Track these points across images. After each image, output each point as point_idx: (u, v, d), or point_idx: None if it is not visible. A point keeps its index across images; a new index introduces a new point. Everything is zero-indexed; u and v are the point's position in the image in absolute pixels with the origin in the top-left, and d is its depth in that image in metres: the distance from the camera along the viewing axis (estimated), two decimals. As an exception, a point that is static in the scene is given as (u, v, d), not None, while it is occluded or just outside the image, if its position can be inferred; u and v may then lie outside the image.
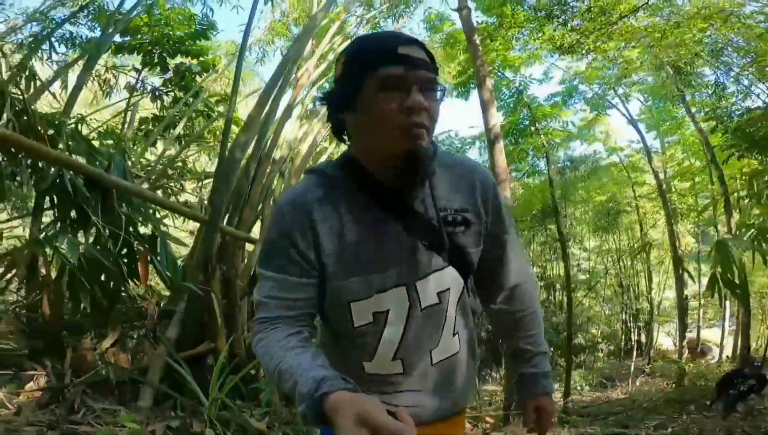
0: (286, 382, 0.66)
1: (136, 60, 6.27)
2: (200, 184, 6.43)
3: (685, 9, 6.64)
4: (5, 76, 2.66)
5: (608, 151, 11.12)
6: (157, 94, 6.40)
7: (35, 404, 2.02)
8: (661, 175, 10.16)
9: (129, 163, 3.54)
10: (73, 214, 2.36)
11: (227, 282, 2.98)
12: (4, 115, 1.99)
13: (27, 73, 3.35)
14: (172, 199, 5.27)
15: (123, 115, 6.28)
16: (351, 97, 0.74)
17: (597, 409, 5.78)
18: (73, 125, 2.76)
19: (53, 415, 2.01)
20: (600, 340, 11.92)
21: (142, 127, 6.27)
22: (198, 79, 6.44)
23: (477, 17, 8.09)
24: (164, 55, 5.91)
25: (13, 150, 2.05)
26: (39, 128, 2.04)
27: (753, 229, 3.39)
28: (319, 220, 0.77)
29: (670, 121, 9.70)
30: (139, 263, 2.38)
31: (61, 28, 5.40)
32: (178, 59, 6.11)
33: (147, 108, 6.76)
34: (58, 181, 2.16)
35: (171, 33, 5.80)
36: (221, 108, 6.73)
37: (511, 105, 8.18)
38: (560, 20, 6.45)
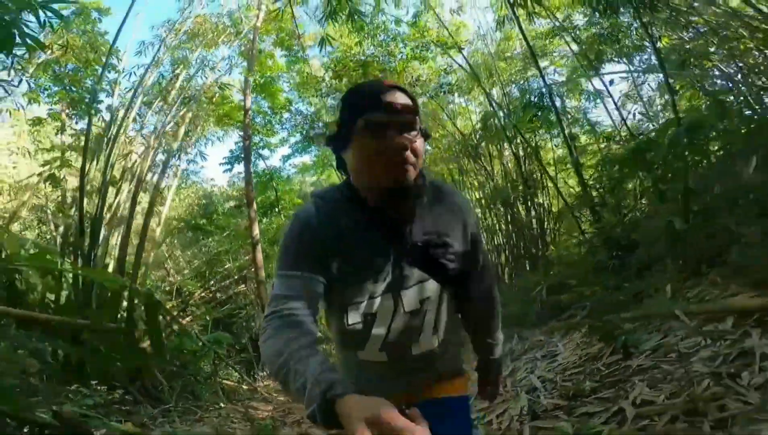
0: (294, 381, 0.69)
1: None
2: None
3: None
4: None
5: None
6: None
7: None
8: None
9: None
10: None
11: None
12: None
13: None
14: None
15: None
16: (346, 138, 0.90)
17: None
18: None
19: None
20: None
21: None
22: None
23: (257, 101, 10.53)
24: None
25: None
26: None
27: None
28: (329, 236, 0.90)
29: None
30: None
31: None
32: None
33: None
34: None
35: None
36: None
37: (264, 182, 11.37)
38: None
